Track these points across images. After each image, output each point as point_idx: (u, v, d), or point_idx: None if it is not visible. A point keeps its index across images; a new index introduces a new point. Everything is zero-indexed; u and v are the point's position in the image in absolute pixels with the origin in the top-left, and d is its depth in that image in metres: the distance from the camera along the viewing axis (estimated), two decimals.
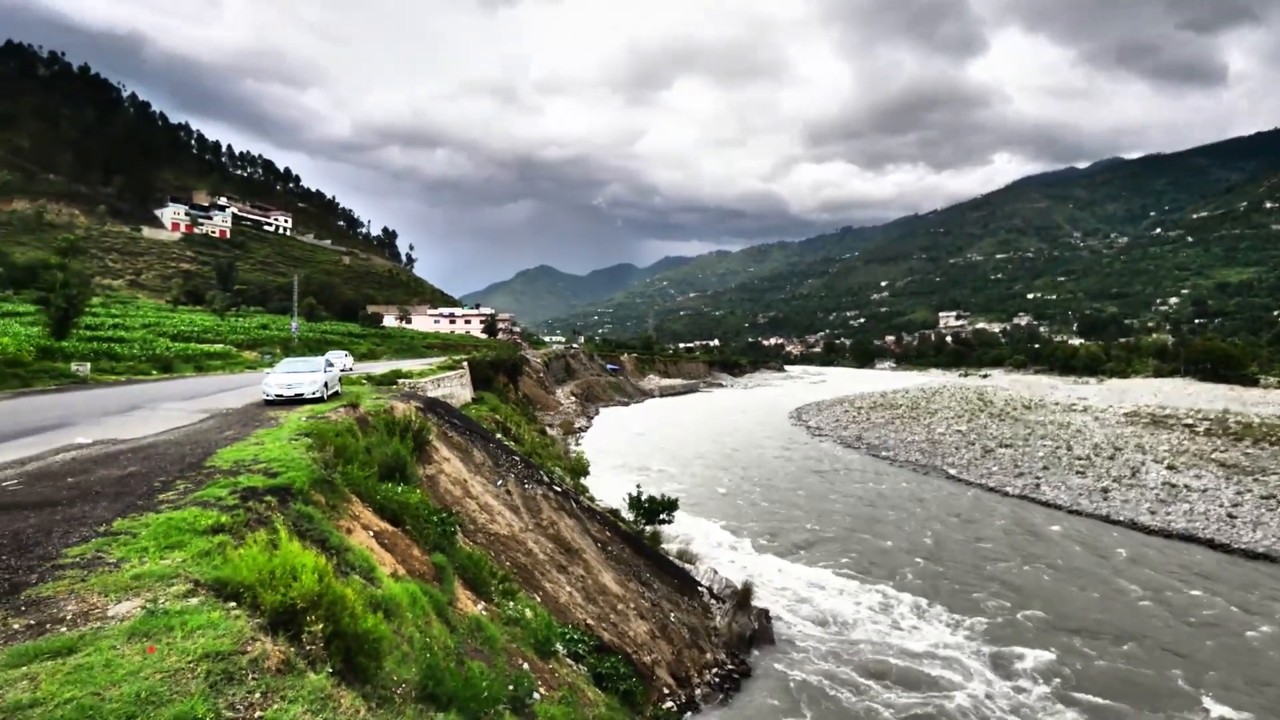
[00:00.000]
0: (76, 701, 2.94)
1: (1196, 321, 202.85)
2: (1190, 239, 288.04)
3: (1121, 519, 29.38)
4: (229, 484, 7.08)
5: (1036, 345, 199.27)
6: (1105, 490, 33.90)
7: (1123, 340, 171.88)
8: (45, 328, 27.62)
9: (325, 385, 17.45)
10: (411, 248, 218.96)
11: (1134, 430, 54.29)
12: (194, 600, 4.11)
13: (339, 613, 4.46)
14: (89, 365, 22.86)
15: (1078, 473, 38.23)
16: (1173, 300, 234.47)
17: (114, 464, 8.15)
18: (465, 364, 40.67)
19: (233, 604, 4.18)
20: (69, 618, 3.75)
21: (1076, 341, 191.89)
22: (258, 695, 3.38)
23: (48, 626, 3.63)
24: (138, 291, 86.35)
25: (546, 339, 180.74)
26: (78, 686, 3.05)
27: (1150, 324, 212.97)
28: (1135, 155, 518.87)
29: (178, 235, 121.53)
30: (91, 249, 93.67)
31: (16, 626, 3.60)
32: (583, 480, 29.81)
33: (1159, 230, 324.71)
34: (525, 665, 9.11)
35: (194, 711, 3.01)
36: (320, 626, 4.31)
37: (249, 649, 3.66)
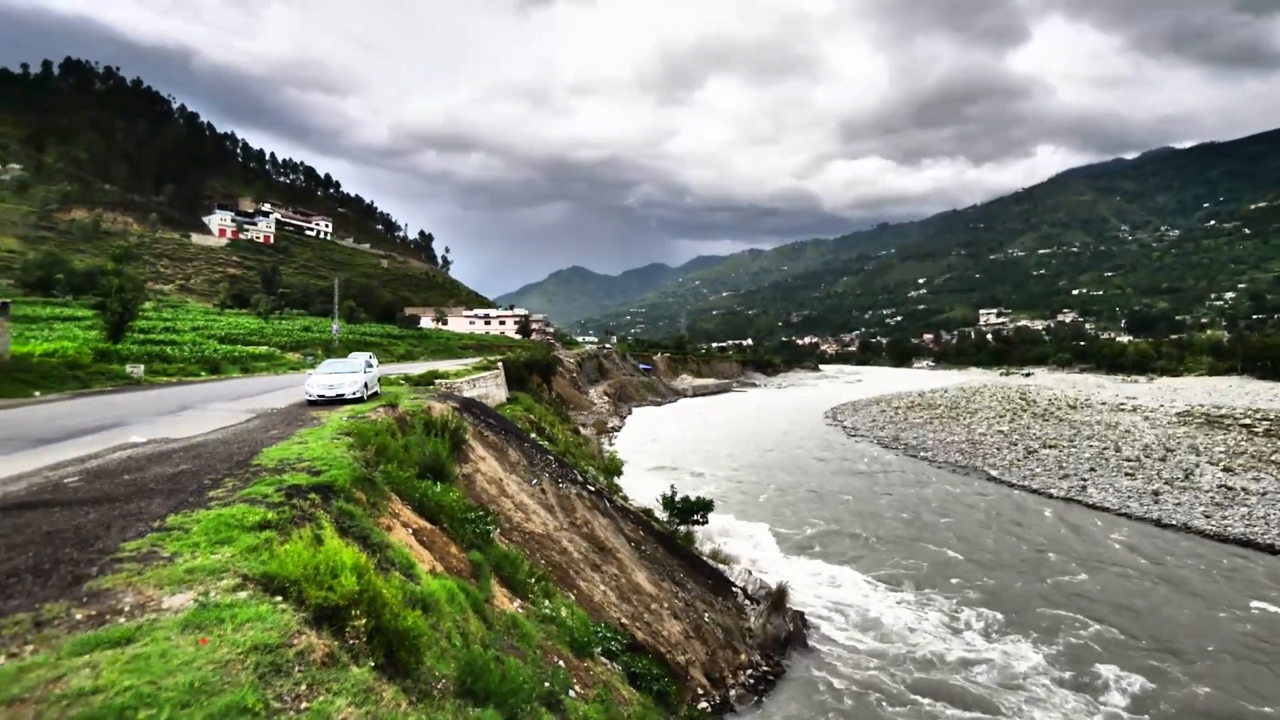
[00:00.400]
0: (135, 689, 3.07)
1: (1254, 317, 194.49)
2: (1247, 231, 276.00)
3: (1174, 522, 28.22)
4: (274, 482, 7.27)
5: (1082, 343, 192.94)
6: (1156, 493, 32.62)
7: (1174, 337, 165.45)
8: (102, 331, 28.90)
9: (365, 386, 17.87)
10: (447, 250, 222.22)
11: (1187, 431, 52.13)
12: (243, 594, 4.25)
13: (380, 609, 4.57)
14: (143, 367, 23.78)
15: (1126, 474, 36.87)
16: (1228, 295, 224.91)
17: (167, 462, 8.46)
18: (500, 364, 41.19)
19: (279, 598, 4.30)
20: (127, 609, 3.91)
21: (1125, 339, 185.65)
22: (304, 687, 3.49)
23: (108, 617, 3.79)
24: (187, 296, 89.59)
25: (579, 339, 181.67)
26: (136, 675, 3.18)
27: (1204, 320, 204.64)
28: (1187, 144, 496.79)
29: (224, 241, 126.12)
30: (144, 255, 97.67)
31: (79, 617, 3.76)
32: (616, 480, 29.88)
33: (1213, 222, 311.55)
34: (561, 663, 9.17)
35: (244, 701, 3.11)
36: (363, 622, 4.42)
37: (295, 642, 3.77)
